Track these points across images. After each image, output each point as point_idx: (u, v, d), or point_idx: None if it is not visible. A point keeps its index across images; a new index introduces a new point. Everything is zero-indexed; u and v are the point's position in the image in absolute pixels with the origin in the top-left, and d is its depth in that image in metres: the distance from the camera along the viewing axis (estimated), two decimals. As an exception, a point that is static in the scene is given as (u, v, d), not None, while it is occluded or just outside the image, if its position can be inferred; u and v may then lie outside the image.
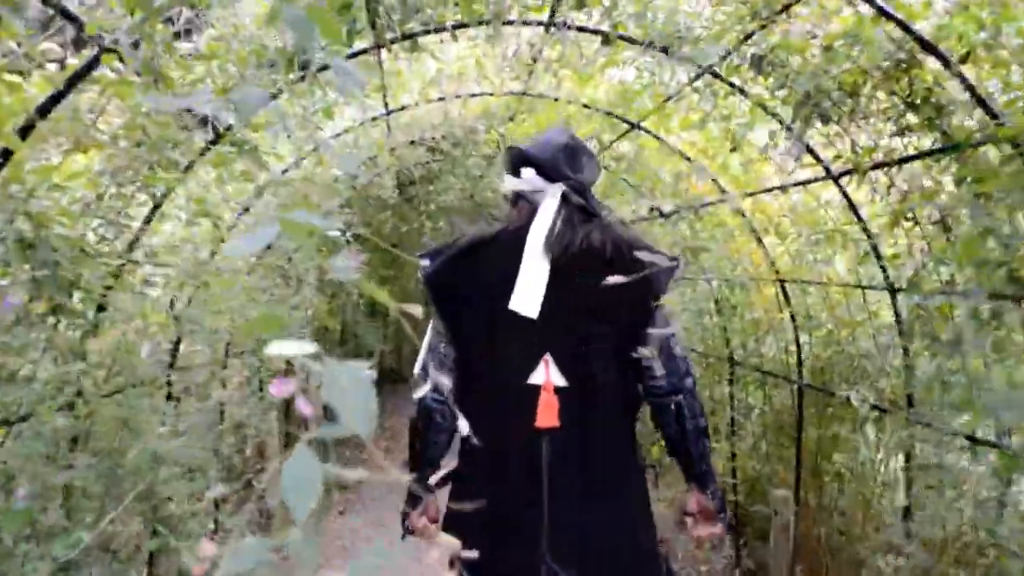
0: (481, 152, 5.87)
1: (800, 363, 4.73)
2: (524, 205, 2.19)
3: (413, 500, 2.29)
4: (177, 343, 4.13)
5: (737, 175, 4.55)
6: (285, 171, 4.37)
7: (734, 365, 5.53)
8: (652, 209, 5.69)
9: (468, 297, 2.13)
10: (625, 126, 4.76)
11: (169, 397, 4.11)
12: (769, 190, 4.24)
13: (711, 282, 5.60)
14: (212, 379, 4.54)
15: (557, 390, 2.00)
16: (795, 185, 3.99)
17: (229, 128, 3.07)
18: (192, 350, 4.38)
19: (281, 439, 6.85)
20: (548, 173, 2.13)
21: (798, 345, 4.69)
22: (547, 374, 2.01)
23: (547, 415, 1.98)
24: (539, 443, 1.98)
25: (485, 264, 2.12)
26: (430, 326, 2.24)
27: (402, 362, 13.83)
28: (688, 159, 4.62)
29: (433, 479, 2.21)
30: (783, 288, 4.60)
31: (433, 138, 5.26)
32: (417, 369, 2.19)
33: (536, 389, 2.00)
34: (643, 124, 4.54)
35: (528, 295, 2.00)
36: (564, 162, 2.14)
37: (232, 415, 5.09)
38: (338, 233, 5.28)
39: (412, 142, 5.25)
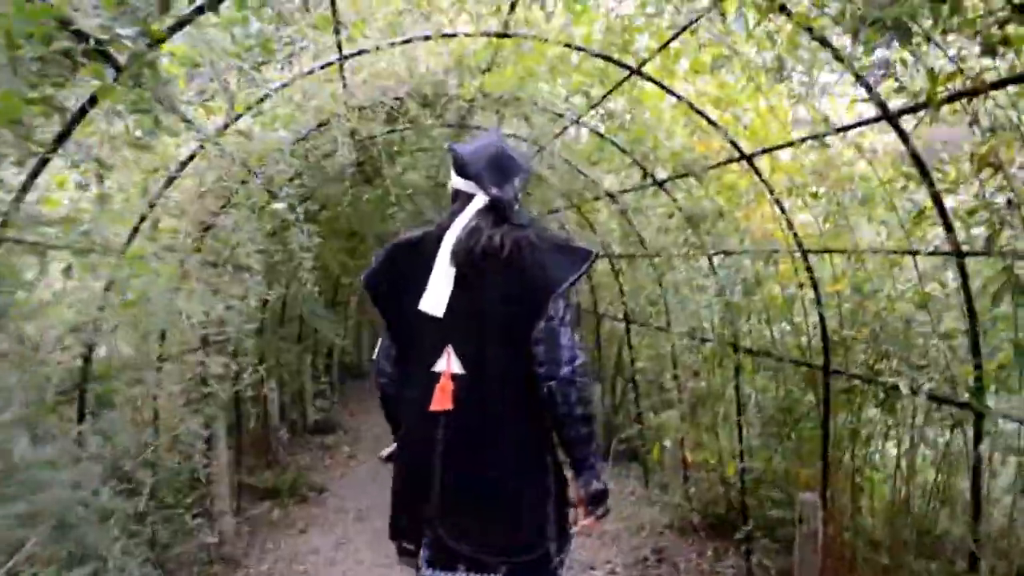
0: (453, 112, 5.11)
1: (827, 346, 4.08)
2: (459, 202, 2.41)
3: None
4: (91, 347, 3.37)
5: (756, 129, 3.85)
6: (225, 127, 3.58)
7: (738, 351, 4.86)
8: (645, 175, 4.98)
9: (395, 296, 2.40)
10: (620, 75, 4.04)
11: (81, 418, 3.33)
12: (803, 140, 3.52)
13: (711, 258, 4.93)
14: (136, 387, 3.75)
15: (454, 377, 2.26)
16: (838, 132, 3.29)
17: (136, 59, 2.30)
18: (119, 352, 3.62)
19: (232, 463, 6.07)
20: (475, 183, 2.35)
21: (823, 324, 4.03)
22: (448, 363, 2.28)
23: (442, 399, 2.23)
24: (436, 421, 2.24)
25: (409, 266, 2.36)
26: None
27: (362, 356, 13.00)
28: (700, 112, 3.90)
29: (383, 454, 2.74)
30: (806, 260, 3.94)
31: (397, 98, 4.49)
32: (374, 355, 2.50)
33: (438, 376, 2.26)
34: (644, 69, 3.82)
35: (435, 296, 2.27)
36: (490, 174, 2.34)
37: (170, 427, 4.30)
38: (285, 207, 4.50)
39: (370, 106, 4.49)
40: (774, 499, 5.07)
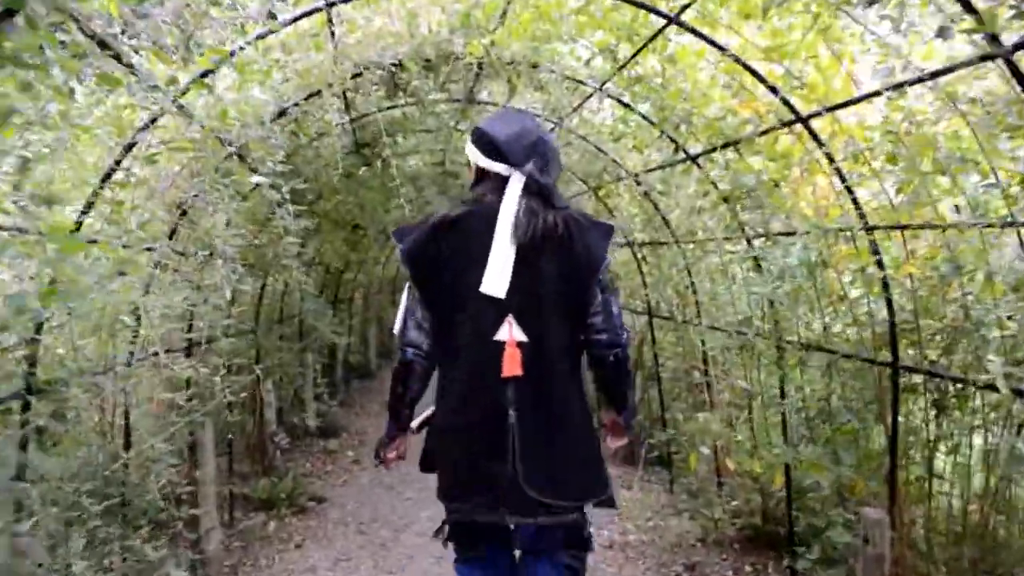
0: (459, 83, 4.53)
1: (894, 339, 3.50)
2: (488, 182, 2.43)
3: (389, 438, 2.63)
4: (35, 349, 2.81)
5: (813, 85, 3.26)
6: (184, 93, 3.00)
7: (783, 346, 4.27)
8: (677, 149, 4.39)
9: (445, 271, 2.38)
10: (651, 29, 3.45)
11: (26, 440, 2.77)
12: (875, 93, 2.90)
13: (751, 241, 4.35)
14: (95, 396, 3.18)
15: (519, 344, 2.34)
16: (932, 77, 2.68)
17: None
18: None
19: (223, 472, 5.51)
20: (515, 167, 2.39)
21: (891, 313, 3.45)
22: (510, 332, 2.34)
23: (512, 365, 2.32)
24: (505, 389, 2.34)
25: (460, 243, 2.37)
26: (406, 293, 2.48)
27: (369, 354, 12.43)
28: (747, 68, 3.31)
29: (415, 424, 2.62)
30: (872, 239, 3.35)
31: (395, 64, 3.90)
32: (397, 329, 2.48)
33: (501, 345, 2.34)
34: (682, 18, 3.22)
35: (497, 274, 2.32)
36: (533, 160, 2.37)
37: (142, 444, 3.73)
38: (265, 182, 3.92)
39: (366, 69, 3.90)
40: (825, 512, 4.49)
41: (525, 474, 2.31)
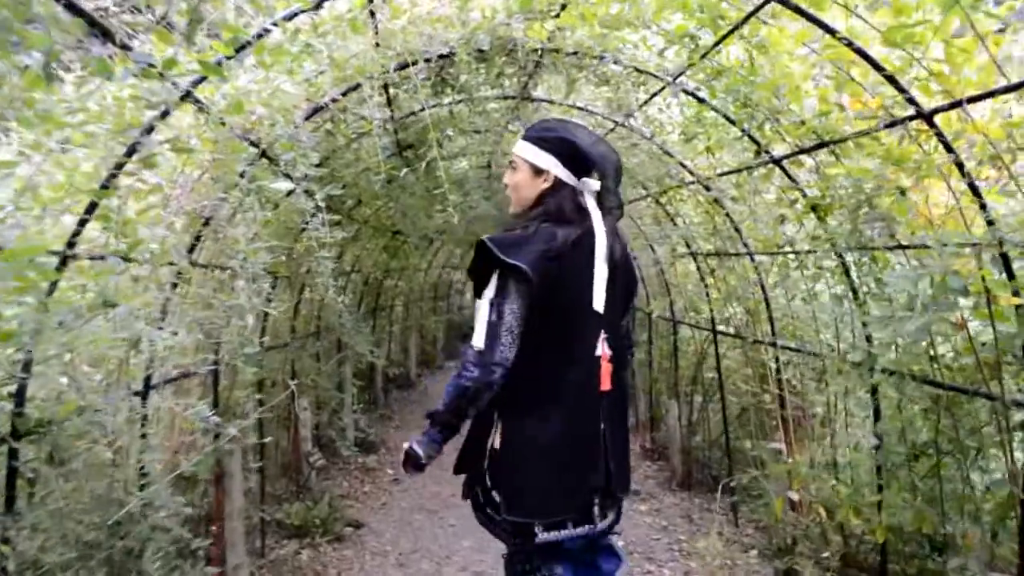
0: (512, 74, 4.03)
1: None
2: (566, 195, 2.47)
3: (430, 456, 2.52)
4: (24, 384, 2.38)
5: (939, 71, 2.71)
6: (198, 83, 2.54)
7: (873, 371, 3.71)
8: (759, 151, 3.85)
9: (564, 290, 2.40)
10: (739, 13, 2.93)
11: (11, 484, 2.33)
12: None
13: (843, 255, 3.80)
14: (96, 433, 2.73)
15: (609, 360, 2.49)
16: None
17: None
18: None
19: (254, 497, 5.09)
20: (603, 188, 2.54)
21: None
22: (603, 348, 2.47)
23: (607, 380, 2.46)
24: (600, 399, 2.46)
25: (574, 263, 2.41)
26: (495, 307, 2.33)
27: (409, 364, 11.99)
28: (864, 55, 2.76)
29: (496, 443, 2.50)
30: (1006, 261, 2.80)
31: (444, 55, 3.41)
32: (480, 343, 2.30)
33: (598, 360, 2.45)
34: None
35: (600, 293, 2.45)
36: (616, 182, 2.55)
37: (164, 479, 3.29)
38: (298, 191, 3.48)
39: (413, 62, 3.43)
40: (921, 559, 3.93)
41: (616, 479, 2.50)
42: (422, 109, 4.54)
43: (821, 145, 3.47)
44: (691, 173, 4.78)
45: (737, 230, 4.79)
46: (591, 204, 2.47)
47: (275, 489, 6.22)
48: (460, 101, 4.53)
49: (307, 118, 3.51)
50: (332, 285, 3.49)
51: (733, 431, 6.34)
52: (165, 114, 2.48)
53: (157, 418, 3.76)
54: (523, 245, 2.33)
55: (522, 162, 2.51)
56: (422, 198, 6.94)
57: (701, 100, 3.83)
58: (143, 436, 3.31)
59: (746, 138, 3.92)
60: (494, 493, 2.47)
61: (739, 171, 4.27)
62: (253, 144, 3.38)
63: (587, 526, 2.45)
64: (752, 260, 4.79)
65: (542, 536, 2.38)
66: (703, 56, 3.28)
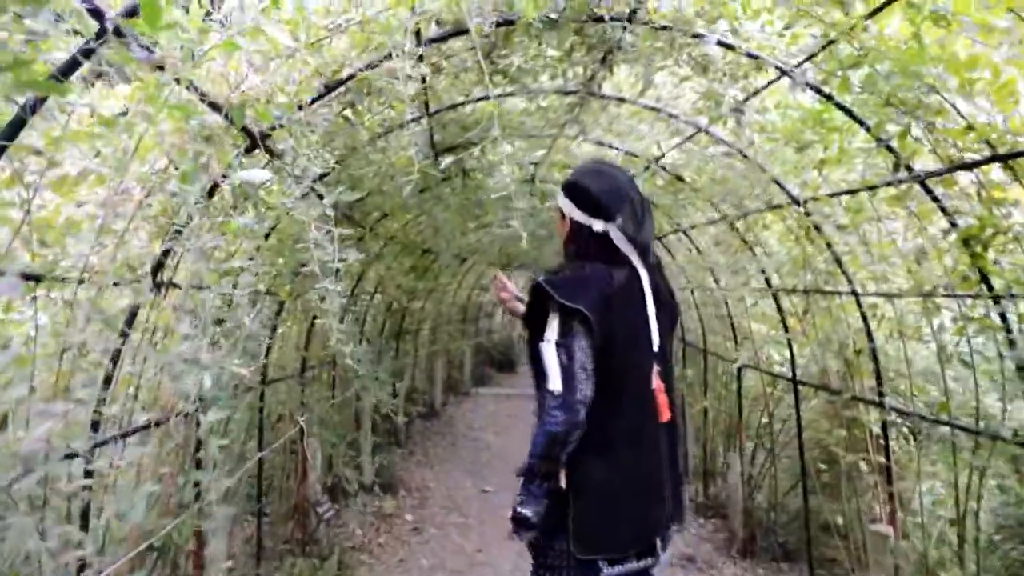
0: (580, 59, 3.16)
1: None
2: (600, 245, 2.43)
3: (538, 514, 2.33)
4: None
5: None
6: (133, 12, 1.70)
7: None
8: (899, 166, 2.95)
9: (618, 330, 2.34)
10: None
11: None
12: None
13: (1007, 305, 2.90)
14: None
15: (664, 391, 2.49)
16: None
17: None
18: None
19: (251, 550, 4.23)
20: (633, 237, 2.43)
21: None
22: (657, 381, 2.46)
23: (664, 411, 2.47)
24: (659, 431, 2.45)
25: (627, 305, 2.40)
26: (565, 348, 2.28)
27: (434, 392, 11.10)
28: None
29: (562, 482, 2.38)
30: None
31: (501, 23, 2.55)
32: (558, 386, 2.26)
33: (654, 392, 2.44)
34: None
35: (655, 331, 2.46)
36: (648, 227, 2.49)
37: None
38: (319, 204, 2.65)
39: (453, 33, 2.58)
40: None
41: (674, 511, 2.51)
42: (463, 103, 3.71)
43: (994, 159, 2.56)
44: (788, 195, 3.87)
45: (840, 264, 3.87)
46: (624, 245, 2.40)
47: (277, 538, 5.35)
48: (510, 94, 3.67)
49: (318, 99, 2.65)
50: (340, 323, 2.63)
51: (815, 493, 5.42)
52: (88, 54, 1.62)
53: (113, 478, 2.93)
54: (579, 287, 2.33)
55: (557, 210, 2.60)
56: (457, 212, 6.09)
57: (827, 97, 2.92)
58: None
59: (876, 148, 3.02)
60: (559, 533, 2.38)
61: (859, 191, 3.35)
62: (246, 132, 2.54)
63: (650, 558, 2.43)
64: (859, 302, 3.86)
65: (607, 571, 2.35)
66: (851, 28, 2.37)
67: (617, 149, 4.84)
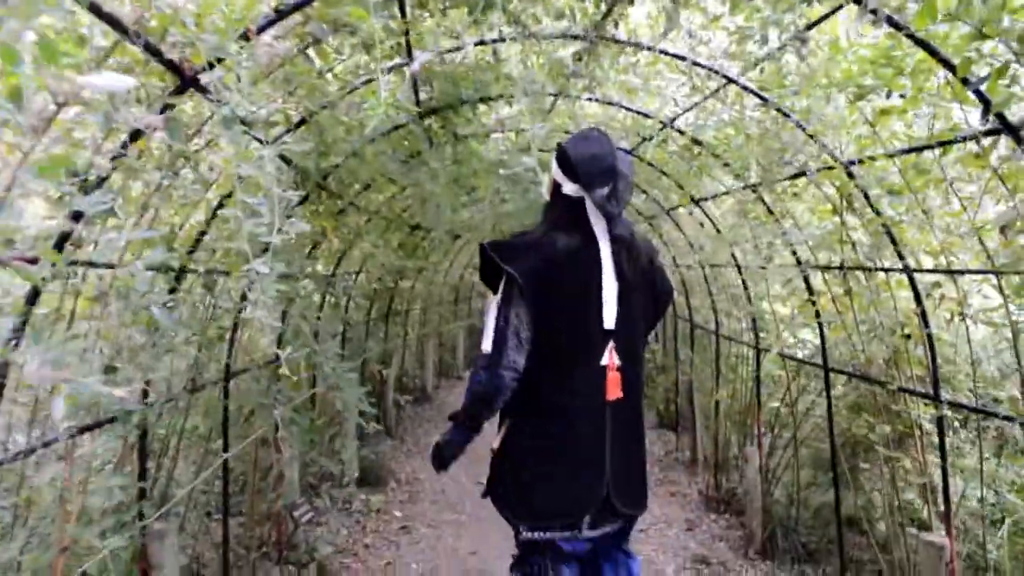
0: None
1: None
2: (571, 211, 2.40)
3: (457, 448, 2.47)
4: None
5: None
6: None
7: None
8: (991, 113, 2.39)
9: (563, 299, 2.35)
10: None
11: None
12: None
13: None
14: None
15: (619, 369, 2.41)
16: None
17: None
18: None
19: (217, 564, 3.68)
20: (605, 208, 2.35)
21: None
22: (611, 358, 2.38)
23: (614, 389, 2.39)
24: (606, 411, 2.38)
25: (571, 274, 2.35)
26: (500, 311, 2.31)
27: (425, 375, 10.55)
28: None
29: (495, 444, 2.47)
30: None
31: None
32: (488, 348, 2.28)
33: (604, 369, 2.37)
34: None
35: (609, 310, 2.37)
36: (624, 193, 2.38)
37: None
38: (276, 176, 2.07)
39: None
40: None
41: (615, 490, 2.39)
42: (453, 49, 3.13)
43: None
44: (832, 156, 3.30)
45: (891, 236, 3.31)
46: (594, 214, 2.38)
47: (251, 544, 4.81)
48: (506, 39, 3.08)
49: (267, 26, 2.07)
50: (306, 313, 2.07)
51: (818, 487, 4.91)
52: None
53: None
54: (522, 251, 2.34)
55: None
56: (447, 186, 5.51)
57: (898, 27, 2.35)
58: None
59: (950, 95, 2.45)
60: (495, 491, 2.49)
61: (929, 147, 2.79)
62: (170, 65, 1.96)
63: (573, 531, 2.40)
64: (912, 280, 3.31)
65: (525, 535, 2.39)
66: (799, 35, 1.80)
67: (628, 109, 4.26)
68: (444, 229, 6.84)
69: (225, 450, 3.95)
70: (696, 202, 5.21)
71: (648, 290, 2.53)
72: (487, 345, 2.30)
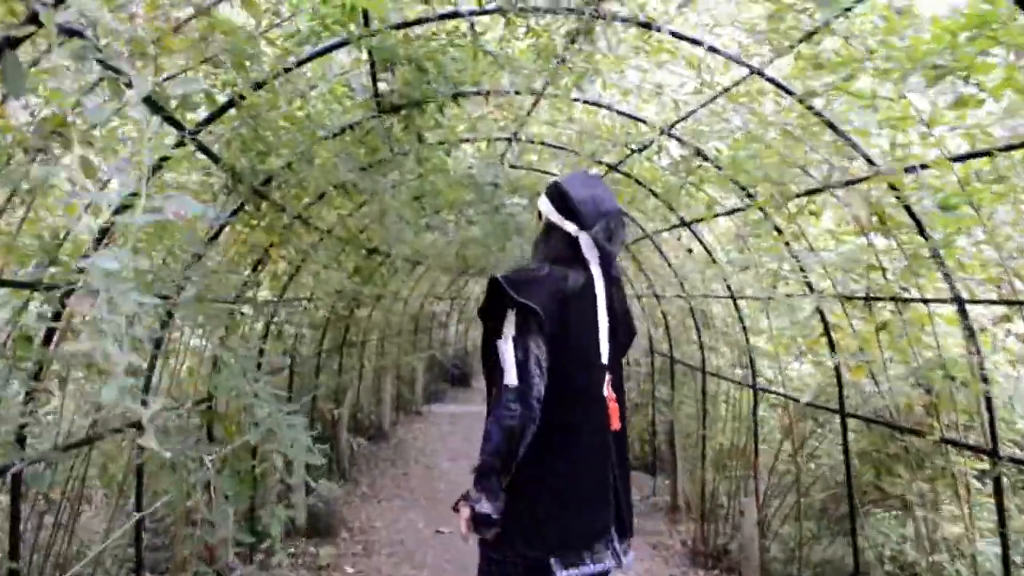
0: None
1: None
2: (566, 247, 2.44)
3: (494, 515, 2.31)
4: None
5: None
6: None
7: None
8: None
9: (571, 334, 2.35)
10: None
11: None
12: None
13: None
14: None
15: (616, 400, 2.48)
16: None
17: None
18: None
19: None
20: (602, 249, 2.45)
21: None
22: (608, 389, 2.45)
23: (615, 420, 2.45)
24: (609, 441, 2.43)
25: (578, 310, 2.39)
26: (520, 344, 2.28)
27: (382, 410, 9.82)
28: None
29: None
30: None
31: None
32: (513, 381, 2.25)
33: (606, 400, 2.43)
34: None
35: (605, 343, 2.46)
36: (617, 243, 2.49)
37: None
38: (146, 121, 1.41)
39: None
40: None
41: (617, 518, 2.44)
42: (422, 20, 2.53)
43: None
44: (868, 160, 2.76)
45: (938, 258, 2.77)
46: (591, 254, 2.43)
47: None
48: (489, 11, 2.50)
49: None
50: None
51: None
52: None
53: None
54: (534, 285, 2.32)
55: (536, 210, 2.59)
56: (408, 203, 4.90)
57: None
58: None
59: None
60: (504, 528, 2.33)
61: (1010, 149, 2.24)
62: None
63: (600, 564, 2.40)
64: (964, 312, 2.76)
65: (560, 573, 2.30)
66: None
67: (621, 113, 3.70)
68: (404, 253, 6.20)
69: (138, 509, 3.26)
70: (687, 224, 4.64)
71: (624, 328, 2.60)
72: (511, 379, 2.25)
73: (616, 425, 2.47)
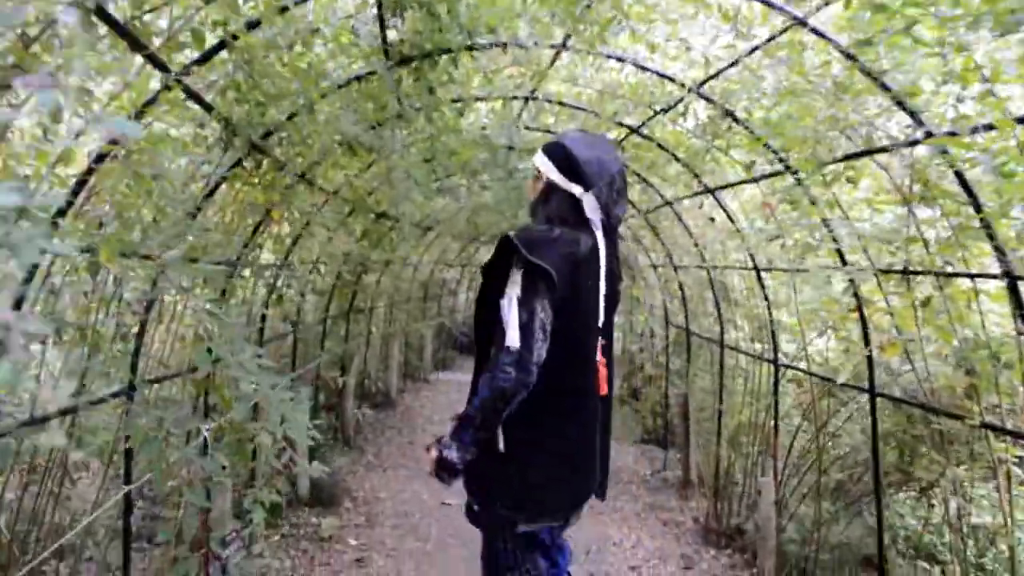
0: None
1: None
2: (573, 211, 2.38)
3: (463, 462, 2.29)
4: None
5: None
6: None
7: None
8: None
9: (579, 298, 2.34)
10: None
11: None
12: None
13: None
14: None
15: (606, 365, 2.49)
16: None
17: None
18: None
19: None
20: (607, 211, 2.41)
21: None
22: (600, 354, 2.45)
23: (604, 384, 2.47)
24: (598, 404, 2.46)
25: (586, 272, 2.36)
26: (527, 306, 2.21)
27: (390, 378, 9.67)
28: None
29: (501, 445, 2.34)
30: None
31: None
32: (514, 342, 2.18)
33: (597, 365, 2.44)
34: None
35: (600, 305, 2.44)
36: (621, 200, 2.44)
37: None
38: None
39: None
40: None
41: (601, 481, 2.54)
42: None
43: None
44: (918, 121, 2.53)
45: (988, 230, 2.55)
46: (595, 216, 2.38)
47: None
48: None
49: None
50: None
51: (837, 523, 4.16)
52: None
53: None
54: (547, 246, 2.25)
55: (534, 169, 2.50)
56: (419, 164, 4.67)
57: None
58: None
59: None
60: (490, 490, 2.39)
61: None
62: None
63: (568, 521, 2.47)
64: (1015, 289, 2.55)
65: (522, 527, 2.35)
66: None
67: (646, 69, 3.47)
68: (413, 216, 6.00)
69: (127, 481, 3.11)
70: (711, 191, 4.42)
71: (615, 291, 2.57)
72: (513, 341, 2.17)
73: (604, 390, 2.48)
